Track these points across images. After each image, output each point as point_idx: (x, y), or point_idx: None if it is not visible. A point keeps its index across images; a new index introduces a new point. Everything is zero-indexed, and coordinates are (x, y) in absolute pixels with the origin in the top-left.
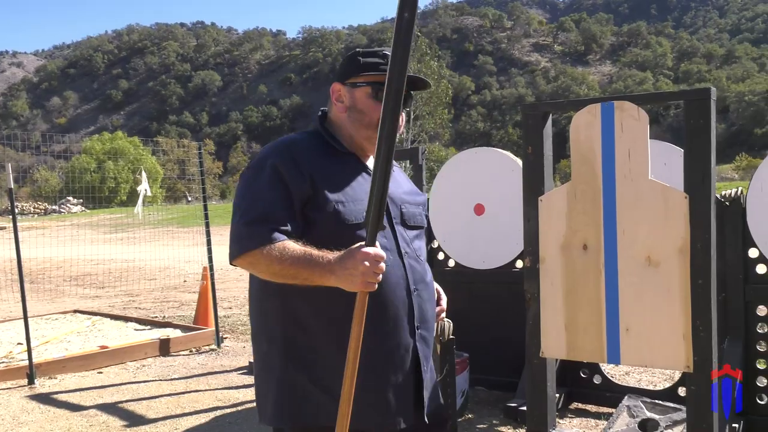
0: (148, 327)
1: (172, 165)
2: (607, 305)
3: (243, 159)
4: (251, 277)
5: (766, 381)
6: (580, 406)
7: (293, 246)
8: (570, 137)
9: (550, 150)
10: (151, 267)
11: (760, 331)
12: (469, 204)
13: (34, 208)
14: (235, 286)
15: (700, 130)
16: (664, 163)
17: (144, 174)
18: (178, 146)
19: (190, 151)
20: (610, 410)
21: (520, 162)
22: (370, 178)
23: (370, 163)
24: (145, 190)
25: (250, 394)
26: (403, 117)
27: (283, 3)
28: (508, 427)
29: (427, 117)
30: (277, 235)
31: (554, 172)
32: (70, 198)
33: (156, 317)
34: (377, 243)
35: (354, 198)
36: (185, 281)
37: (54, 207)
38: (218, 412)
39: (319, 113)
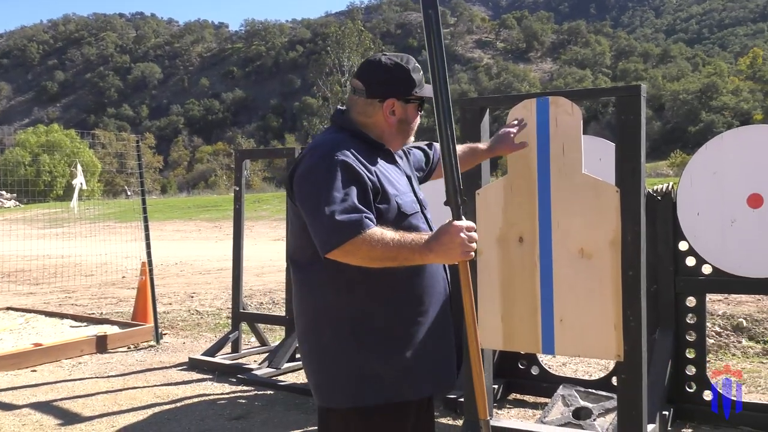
0: (85, 324)
1: (110, 158)
2: (542, 297)
3: (184, 153)
4: (306, 272)
5: (694, 370)
6: (519, 396)
7: (388, 230)
8: None
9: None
10: (89, 263)
11: (689, 322)
12: None
13: None
14: (175, 281)
15: (631, 126)
16: (599, 159)
17: (79, 167)
18: (116, 139)
19: (129, 144)
20: (547, 400)
21: None
22: (400, 168)
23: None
24: (81, 183)
25: (189, 390)
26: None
27: None
28: (448, 418)
29: None
30: (370, 222)
31: (496, 168)
32: (4, 192)
33: (93, 314)
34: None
35: (403, 191)
36: (124, 277)
37: None
38: (156, 409)
39: (337, 116)
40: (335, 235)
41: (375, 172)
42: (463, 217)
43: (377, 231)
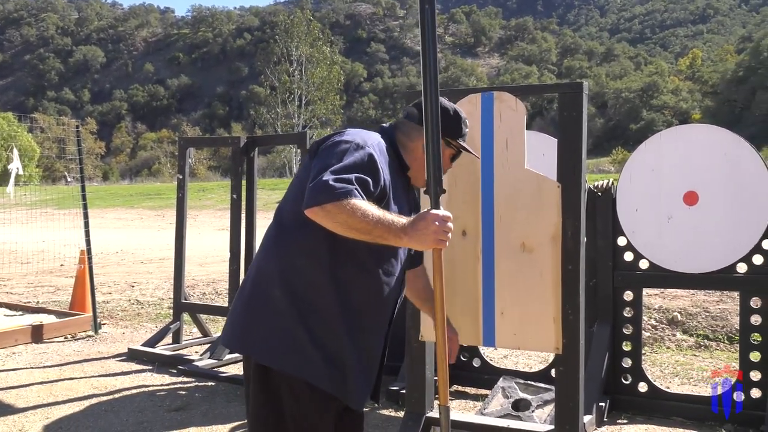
0: (20, 313)
1: (50, 143)
2: (484, 290)
3: (127, 139)
4: (286, 230)
5: (630, 362)
6: (460, 388)
7: (372, 205)
8: None
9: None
10: (25, 250)
11: (626, 315)
12: None
13: None
14: (115, 270)
15: (573, 122)
16: (542, 154)
17: (15, 152)
18: (57, 124)
19: (69, 129)
20: (488, 392)
21: None
22: (408, 197)
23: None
24: (17, 168)
25: (128, 381)
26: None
27: None
28: (390, 410)
29: (318, 102)
30: (358, 194)
31: None
32: None
33: (29, 302)
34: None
35: (404, 213)
36: (62, 265)
37: None
38: (93, 400)
39: (386, 126)
40: (323, 194)
41: (390, 182)
42: (441, 207)
43: (363, 202)
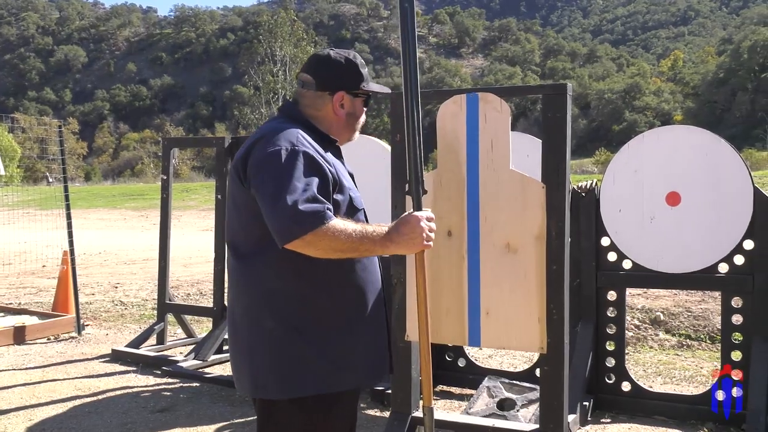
0: (2, 314)
1: (31, 144)
2: (469, 290)
3: (110, 139)
4: (251, 258)
5: (614, 361)
6: (445, 388)
7: (349, 222)
8: (437, 126)
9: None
10: (7, 251)
11: (610, 315)
12: None
13: None
14: (98, 271)
15: (557, 123)
16: (527, 155)
17: None
18: (38, 124)
19: (51, 129)
20: (473, 392)
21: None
22: (344, 165)
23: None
24: None
25: (112, 382)
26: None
27: None
28: (375, 410)
29: None
30: (331, 214)
31: (427, 162)
32: None
33: (11, 304)
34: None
35: (353, 186)
36: (44, 266)
37: None
38: (77, 402)
39: (288, 108)
40: (297, 225)
41: (332, 164)
42: (422, 207)
43: (339, 222)
